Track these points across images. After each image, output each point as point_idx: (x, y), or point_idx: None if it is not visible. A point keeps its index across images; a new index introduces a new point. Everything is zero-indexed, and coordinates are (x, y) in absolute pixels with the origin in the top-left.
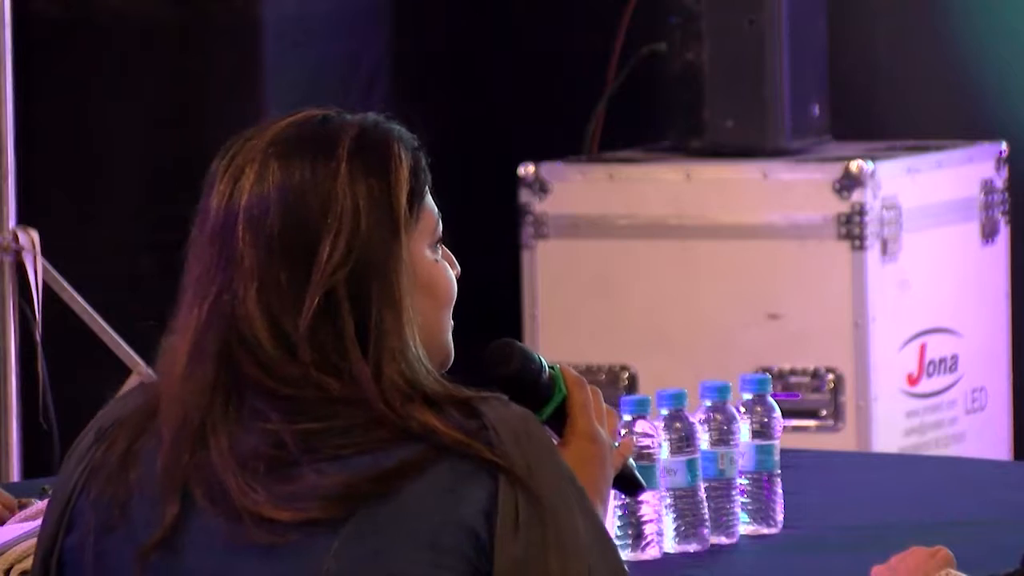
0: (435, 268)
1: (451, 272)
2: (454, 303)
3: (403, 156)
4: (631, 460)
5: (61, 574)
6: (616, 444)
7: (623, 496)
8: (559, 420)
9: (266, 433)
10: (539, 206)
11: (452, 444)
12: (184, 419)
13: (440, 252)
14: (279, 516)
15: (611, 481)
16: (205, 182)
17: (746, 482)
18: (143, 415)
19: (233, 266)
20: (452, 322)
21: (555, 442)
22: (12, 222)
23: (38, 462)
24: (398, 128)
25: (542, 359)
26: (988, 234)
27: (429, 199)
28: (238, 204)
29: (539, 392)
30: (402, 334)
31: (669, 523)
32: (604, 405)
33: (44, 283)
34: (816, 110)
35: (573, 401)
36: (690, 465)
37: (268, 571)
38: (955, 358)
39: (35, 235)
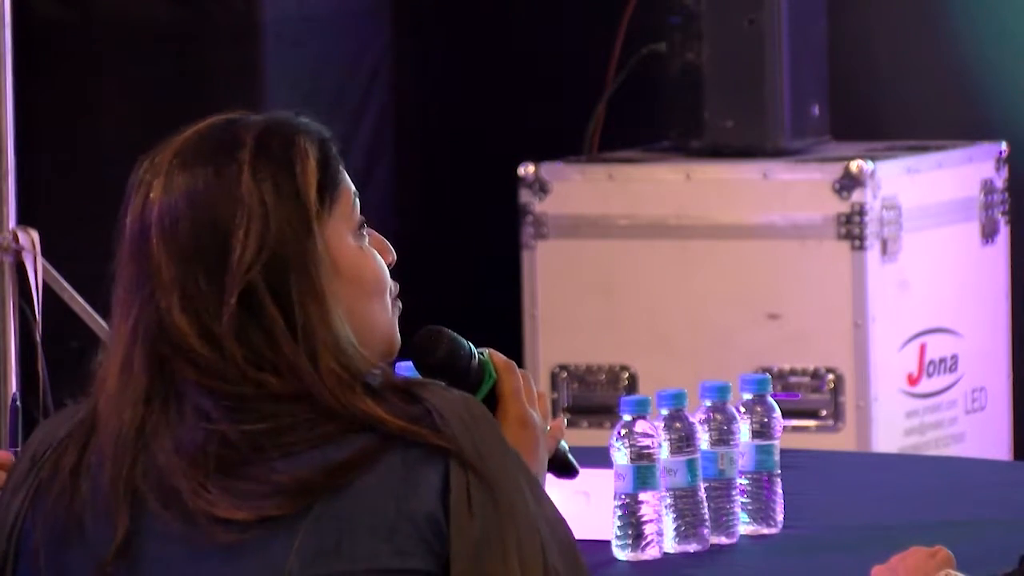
0: (359, 255)
1: (379, 259)
2: (387, 289)
3: (308, 148)
4: (563, 443)
5: None
6: (547, 428)
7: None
8: (490, 406)
9: (211, 433)
10: (539, 206)
11: (399, 432)
12: (120, 430)
13: (367, 239)
14: (235, 515)
15: (545, 464)
16: (122, 204)
17: (746, 482)
18: (83, 432)
19: (152, 279)
20: (397, 307)
21: None
22: (12, 222)
23: None
24: (304, 122)
25: (471, 345)
26: (988, 234)
27: (345, 186)
28: (149, 218)
29: (469, 379)
30: (330, 325)
31: (669, 523)
32: (534, 388)
33: (44, 283)
34: (816, 110)
35: (503, 386)
36: (690, 465)
37: (230, 571)
38: (955, 358)
39: (35, 235)
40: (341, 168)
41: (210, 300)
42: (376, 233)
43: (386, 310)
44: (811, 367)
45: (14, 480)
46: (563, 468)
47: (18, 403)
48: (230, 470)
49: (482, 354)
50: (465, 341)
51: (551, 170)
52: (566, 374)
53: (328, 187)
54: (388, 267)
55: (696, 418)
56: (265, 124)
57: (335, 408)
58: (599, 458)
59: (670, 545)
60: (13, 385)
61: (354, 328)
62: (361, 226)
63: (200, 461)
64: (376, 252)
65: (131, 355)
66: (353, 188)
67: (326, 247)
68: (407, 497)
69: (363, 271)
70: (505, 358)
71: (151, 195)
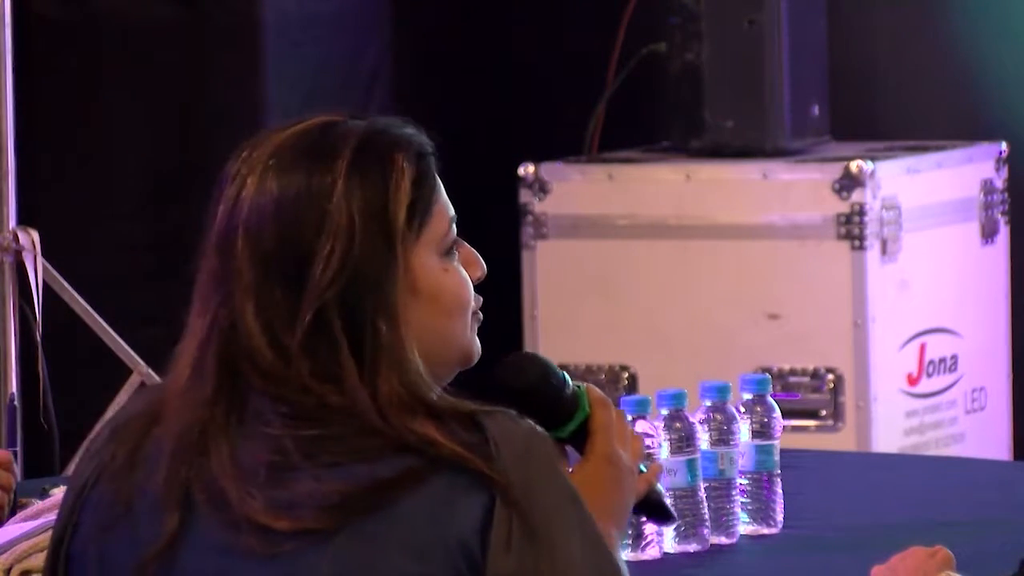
0: (442, 276)
1: (464, 275)
2: (468, 307)
3: (405, 167)
4: (660, 487)
5: (68, 569)
6: (643, 469)
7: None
8: (580, 439)
9: (268, 438)
10: (539, 206)
11: (450, 457)
12: (184, 430)
13: (456, 256)
14: (275, 524)
15: (630, 505)
16: (216, 186)
17: (746, 482)
18: (147, 419)
19: (233, 279)
20: (477, 320)
21: (572, 461)
22: (12, 222)
23: (38, 462)
24: (406, 135)
25: (565, 375)
26: (988, 234)
27: (440, 205)
28: (238, 217)
29: (559, 408)
30: (401, 348)
31: None
32: (629, 428)
33: (44, 283)
34: (816, 110)
35: (595, 420)
36: (690, 465)
37: None
38: (955, 358)
39: (35, 235)
40: (437, 187)
41: (284, 311)
42: (468, 248)
43: (465, 327)
44: (811, 367)
45: (95, 446)
46: (657, 512)
47: (16, 403)
48: (278, 476)
49: (579, 386)
50: (559, 370)
51: (551, 170)
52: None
53: (419, 208)
54: (475, 282)
55: (696, 418)
56: (365, 135)
57: (387, 429)
58: None
59: (670, 545)
60: (13, 385)
61: (428, 346)
62: (452, 244)
63: (252, 468)
64: (462, 269)
65: (204, 355)
66: (450, 208)
67: (407, 268)
68: (445, 522)
69: (442, 291)
70: (602, 394)
71: (243, 192)
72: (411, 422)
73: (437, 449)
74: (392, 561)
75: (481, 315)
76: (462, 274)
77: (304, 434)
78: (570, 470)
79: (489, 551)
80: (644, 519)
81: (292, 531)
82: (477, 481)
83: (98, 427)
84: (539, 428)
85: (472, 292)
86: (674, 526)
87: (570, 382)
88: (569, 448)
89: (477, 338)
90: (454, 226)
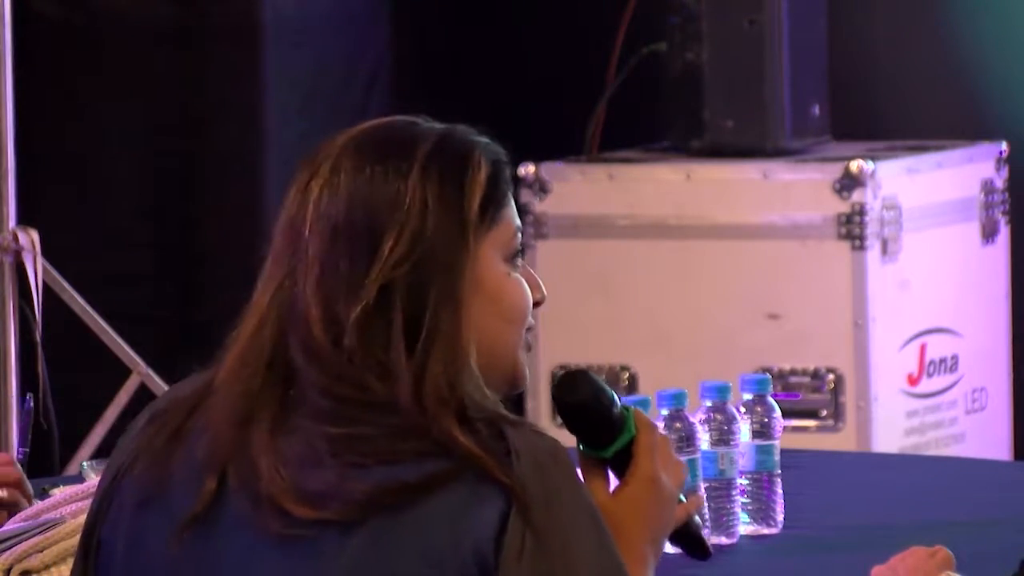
0: (507, 280)
1: (527, 291)
2: (525, 321)
3: (482, 163)
4: (698, 519)
5: (99, 552)
6: (683, 498)
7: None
8: (624, 461)
9: (301, 429)
10: (539, 206)
11: (472, 462)
12: (234, 405)
13: (519, 268)
14: (296, 511)
15: (668, 531)
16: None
17: (746, 482)
18: (197, 397)
19: (299, 254)
20: (529, 343)
21: (615, 482)
22: (12, 222)
23: (38, 462)
24: (484, 140)
25: (616, 396)
26: (988, 234)
27: (510, 212)
28: (310, 198)
29: (606, 427)
30: (458, 336)
31: None
32: (673, 456)
33: (44, 283)
34: (816, 110)
35: (640, 443)
36: (690, 465)
37: (285, 565)
38: (955, 358)
39: (35, 235)
40: (510, 195)
41: (344, 285)
42: (530, 270)
43: (520, 339)
44: (811, 367)
45: (132, 431)
46: (693, 544)
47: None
48: (303, 466)
49: (626, 408)
50: (611, 391)
51: (551, 170)
52: None
53: (492, 206)
54: (535, 305)
55: (696, 418)
56: (446, 131)
57: (420, 424)
58: None
59: (669, 545)
60: (13, 385)
61: (482, 347)
62: (515, 256)
63: (285, 453)
64: (525, 283)
65: (263, 325)
66: (517, 219)
67: (475, 261)
68: (462, 529)
69: (505, 295)
70: (648, 418)
71: (316, 178)
72: (442, 417)
73: (460, 452)
74: (407, 564)
75: (530, 342)
76: (524, 286)
77: (335, 431)
78: (611, 490)
79: (501, 560)
80: (678, 550)
81: (310, 520)
82: (496, 490)
83: (97, 428)
84: (562, 444)
85: (531, 307)
86: (708, 556)
87: (618, 403)
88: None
89: (526, 363)
90: (519, 236)
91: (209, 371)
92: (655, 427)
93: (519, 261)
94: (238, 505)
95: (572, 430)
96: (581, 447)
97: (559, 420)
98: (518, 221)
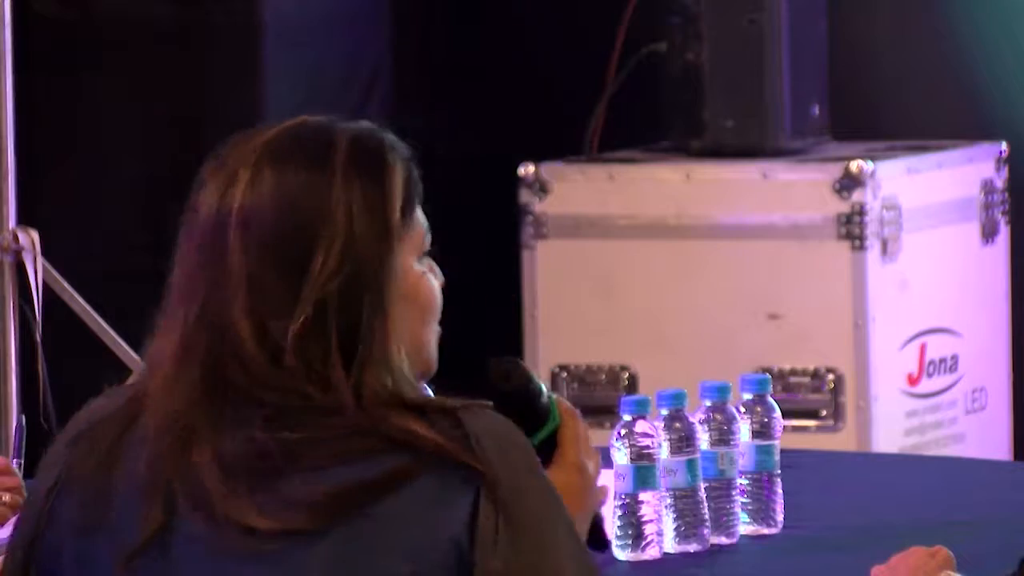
0: (421, 279)
1: (436, 283)
2: (438, 313)
3: (397, 165)
4: (602, 511)
5: (39, 572)
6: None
7: (623, 496)
8: (548, 448)
9: (249, 441)
10: (539, 206)
11: (434, 453)
12: (170, 422)
13: (426, 263)
14: (262, 525)
15: (592, 515)
16: (195, 184)
17: (746, 482)
18: (125, 416)
19: (222, 270)
20: (438, 330)
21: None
22: (12, 222)
23: (38, 462)
24: (391, 137)
25: (542, 385)
26: (988, 234)
27: (420, 211)
28: (230, 208)
29: (535, 415)
30: (388, 344)
31: (669, 523)
32: (591, 444)
33: (44, 283)
34: (816, 110)
35: (566, 431)
36: (690, 465)
37: None
38: (955, 358)
39: (35, 235)
40: (420, 192)
41: (276, 304)
42: (430, 259)
43: (434, 335)
44: (811, 367)
45: (49, 459)
46: (595, 532)
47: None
48: (262, 479)
49: (550, 396)
50: (538, 379)
51: (551, 170)
52: (566, 374)
53: (408, 208)
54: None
55: (696, 418)
56: (357, 133)
57: (372, 426)
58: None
59: (670, 545)
60: (13, 385)
61: (405, 346)
62: (426, 252)
63: (234, 467)
64: (432, 276)
65: (191, 343)
66: (425, 219)
67: (398, 266)
68: (434, 522)
69: (422, 295)
70: (570, 405)
71: (234, 187)
72: (392, 417)
73: (419, 442)
74: (382, 561)
75: (439, 329)
76: (434, 281)
77: (287, 437)
78: None
79: (476, 546)
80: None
81: (278, 531)
82: (462, 478)
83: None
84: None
85: (440, 301)
86: (606, 547)
87: (545, 391)
88: None
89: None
90: (429, 234)
91: (128, 388)
92: (577, 414)
93: (426, 255)
94: (192, 527)
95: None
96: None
97: None
98: (425, 219)
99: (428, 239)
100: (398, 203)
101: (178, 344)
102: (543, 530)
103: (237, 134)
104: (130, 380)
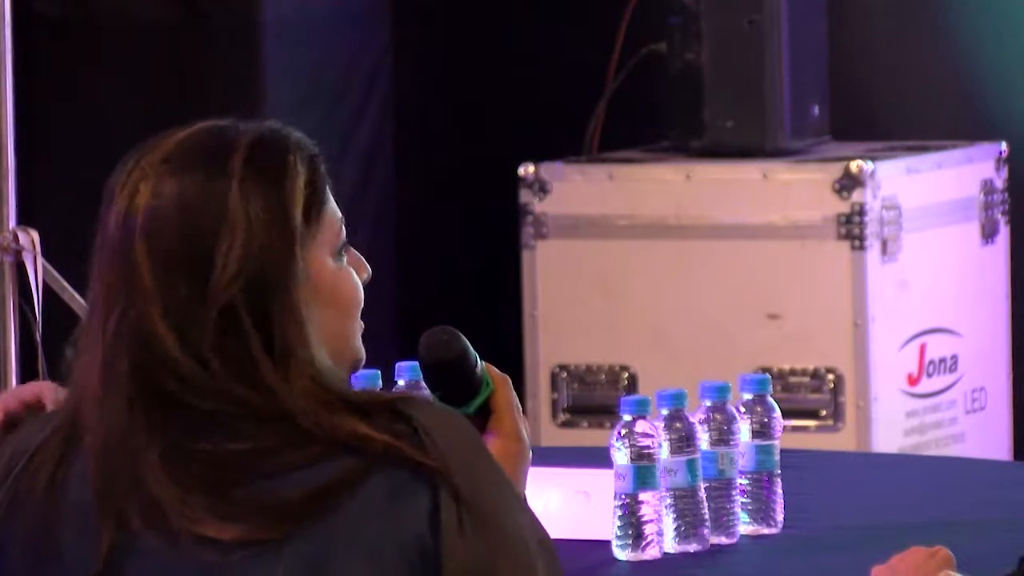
0: (337, 276)
1: (356, 278)
2: (359, 308)
3: (299, 167)
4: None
5: None
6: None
7: (623, 496)
8: (484, 414)
9: (198, 453)
10: (539, 206)
11: (385, 452)
12: (108, 441)
13: (345, 258)
14: (219, 535)
15: (527, 479)
16: (103, 198)
17: (746, 482)
18: (61, 440)
19: (133, 284)
20: (362, 325)
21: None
22: (12, 222)
23: None
24: (296, 136)
25: (476, 354)
26: (988, 234)
27: (331, 207)
28: (134, 221)
29: (471, 384)
30: (307, 345)
31: (669, 523)
32: (520, 409)
33: (44, 283)
34: (816, 110)
35: (500, 398)
36: (690, 465)
37: None
38: (955, 358)
39: (35, 235)
40: (327, 189)
41: (191, 312)
42: (353, 250)
43: (357, 329)
44: (811, 367)
45: None
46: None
47: None
48: (214, 489)
49: (481, 364)
50: (471, 347)
51: (551, 170)
52: (566, 374)
53: (314, 208)
54: (363, 284)
55: (696, 418)
56: (258, 136)
57: (316, 428)
58: (599, 458)
59: (670, 545)
60: (13, 385)
61: (327, 343)
62: (343, 247)
63: (184, 478)
64: (353, 271)
65: (114, 359)
66: (338, 211)
67: (307, 268)
68: (393, 519)
69: (340, 292)
70: (499, 372)
71: (137, 198)
72: (337, 419)
73: (370, 445)
74: (344, 564)
75: (362, 323)
76: (354, 276)
77: (236, 448)
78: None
79: (442, 539)
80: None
81: (237, 541)
82: (417, 474)
83: None
84: (456, 411)
85: (362, 294)
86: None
87: (479, 360)
88: None
89: (361, 343)
90: (343, 227)
91: (60, 412)
92: (509, 380)
93: (344, 249)
94: (149, 545)
95: (437, 386)
96: (441, 403)
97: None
98: (339, 212)
99: (343, 233)
100: (299, 206)
101: (102, 363)
102: (501, 513)
103: (141, 143)
104: (53, 408)
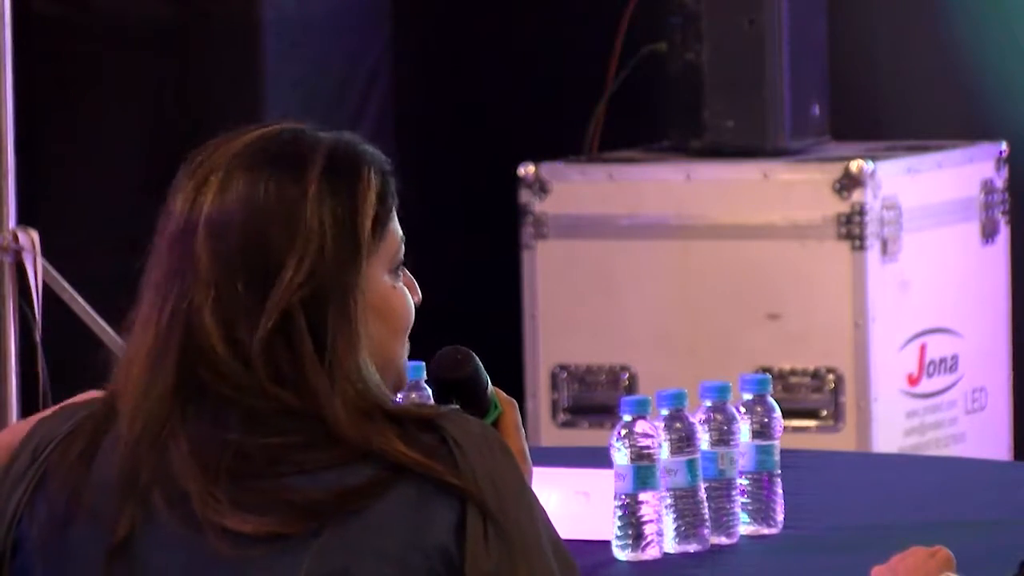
0: (392, 294)
1: (409, 298)
2: (409, 328)
3: (372, 180)
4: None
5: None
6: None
7: (623, 496)
8: None
9: (228, 444)
10: (539, 206)
11: (414, 463)
12: (145, 424)
13: (400, 277)
14: (242, 528)
15: None
16: (171, 187)
17: (746, 482)
18: (103, 415)
19: (191, 274)
20: (408, 346)
21: None
22: (12, 222)
23: None
24: (370, 150)
25: (486, 375)
26: (988, 234)
27: (394, 224)
28: (199, 213)
29: (481, 404)
30: (356, 358)
31: (669, 523)
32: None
33: (44, 283)
34: (816, 110)
35: (508, 419)
36: (690, 465)
37: None
38: (955, 358)
39: (35, 235)
40: (395, 206)
41: (245, 310)
42: (407, 272)
43: (405, 349)
44: (811, 367)
45: (13, 474)
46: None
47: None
48: (242, 481)
49: (489, 385)
50: (482, 368)
51: (551, 170)
52: (566, 374)
53: (381, 223)
54: (416, 306)
55: (696, 418)
56: (334, 145)
57: (350, 434)
58: (599, 458)
59: (670, 545)
60: (13, 385)
61: (374, 358)
62: (399, 265)
63: (212, 468)
64: (407, 290)
65: (164, 345)
66: (399, 229)
67: (367, 283)
68: (420, 527)
69: (392, 309)
70: (506, 395)
71: (205, 191)
72: (372, 430)
73: (401, 456)
74: (368, 568)
75: (408, 344)
76: (407, 296)
77: (266, 442)
78: None
79: (467, 551)
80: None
81: (259, 535)
82: (445, 485)
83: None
84: (488, 424)
85: (413, 313)
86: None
87: (488, 381)
88: None
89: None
90: (403, 247)
91: (87, 402)
92: (515, 403)
93: (401, 268)
94: (170, 530)
95: (447, 404)
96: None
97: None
98: (400, 231)
99: (401, 253)
100: (369, 219)
101: (152, 346)
102: (527, 530)
103: (216, 137)
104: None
